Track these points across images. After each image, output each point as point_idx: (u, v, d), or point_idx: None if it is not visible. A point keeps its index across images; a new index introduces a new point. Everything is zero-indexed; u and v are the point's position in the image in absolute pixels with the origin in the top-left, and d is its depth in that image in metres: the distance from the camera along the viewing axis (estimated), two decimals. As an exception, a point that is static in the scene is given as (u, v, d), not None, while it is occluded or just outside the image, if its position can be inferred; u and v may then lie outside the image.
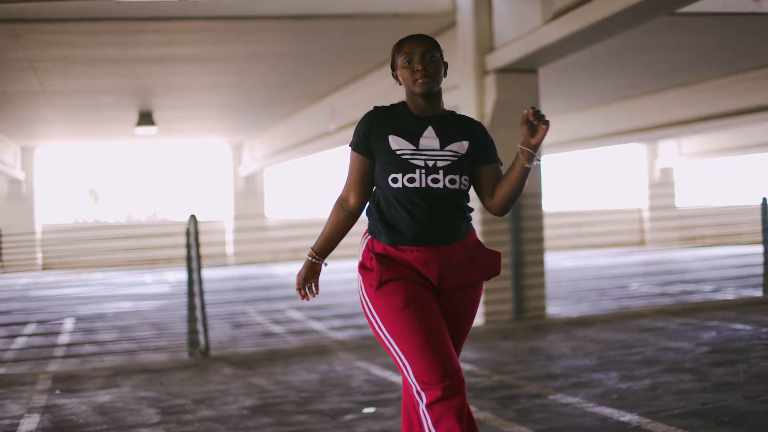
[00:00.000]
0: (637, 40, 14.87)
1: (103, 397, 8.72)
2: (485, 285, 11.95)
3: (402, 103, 4.06)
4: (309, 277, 4.22)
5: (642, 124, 24.62)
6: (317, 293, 4.26)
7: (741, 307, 12.37)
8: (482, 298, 11.63)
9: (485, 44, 12.21)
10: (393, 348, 3.84)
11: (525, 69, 11.99)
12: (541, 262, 12.30)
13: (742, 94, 20.81)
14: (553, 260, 24.94)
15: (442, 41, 13.84)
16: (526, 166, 3.88)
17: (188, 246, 11.20)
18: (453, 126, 4.02)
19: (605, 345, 9.67)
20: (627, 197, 36.68)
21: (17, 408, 8.35)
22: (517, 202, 12.12)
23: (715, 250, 26.17)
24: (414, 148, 3.93)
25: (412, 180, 3.92)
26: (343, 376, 9.06)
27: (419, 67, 3.93)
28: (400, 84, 4.03)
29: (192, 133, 29.10)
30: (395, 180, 3.93)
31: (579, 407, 6.79)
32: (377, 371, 9.10)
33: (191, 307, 11.21)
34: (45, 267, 32.53)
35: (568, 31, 10.14)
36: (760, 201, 14.05)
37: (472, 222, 4.21)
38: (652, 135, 25.24)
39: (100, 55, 14.66)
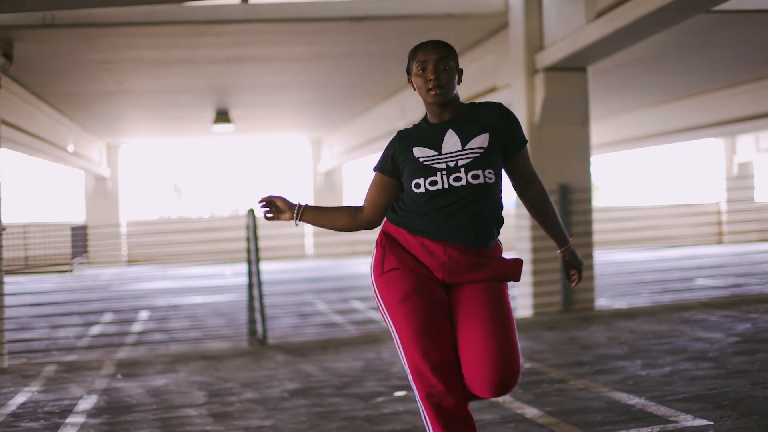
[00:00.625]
0: (702, 36, 15.03)
1: (159, 381, 9.28)
2: (534, 278, 12.31)
3: (422, 119, 4.17)
4: (281, 206, 4.29)
5: (716, 118, 24.60)
6: (267, 218, 4.32)
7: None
8: (531, 291, 12.05)
9: (535, 43, 12.55)
10: (393, 332, 4.03)
11: (573, 67, 12.30)
12: (590, 256, 12.59)
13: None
14: (626, 256, 25.09)
15: (495, 41, 14.23)
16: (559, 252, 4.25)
17: (247, 239, 11.74)
18: (472, 121, 4.06)
19: (641, 335, 9.96)
20: (704, 193, 36.50)
21: (78, 390, 8.94)
22: (566, 197, 12.44)
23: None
24: (437, 153, 4.00)
25: (434, 183, 3.99)
26: (386, 363, 9.49)
27: (432, 77, 4.00)
28: (415, 89, 4.11)
29: (270, 130, 29.72)
30: (418, 185, 4.02)
31: (594, 392, 7.15)
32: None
33: (251, 297, 11.75)
34: (130, 260, 33.48)
35: (609, 30, 10.44)
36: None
37: (498, 238, 4.17)
38: (727, 129, 25.19)
39: (169, 57, 15.29)
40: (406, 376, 8.53)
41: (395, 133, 4.20)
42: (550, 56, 12.13)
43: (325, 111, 25.01)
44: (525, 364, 8.69)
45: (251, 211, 11.63)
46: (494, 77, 14.87)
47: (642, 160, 37.65)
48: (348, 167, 35.41)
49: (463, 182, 3.95)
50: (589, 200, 12.61)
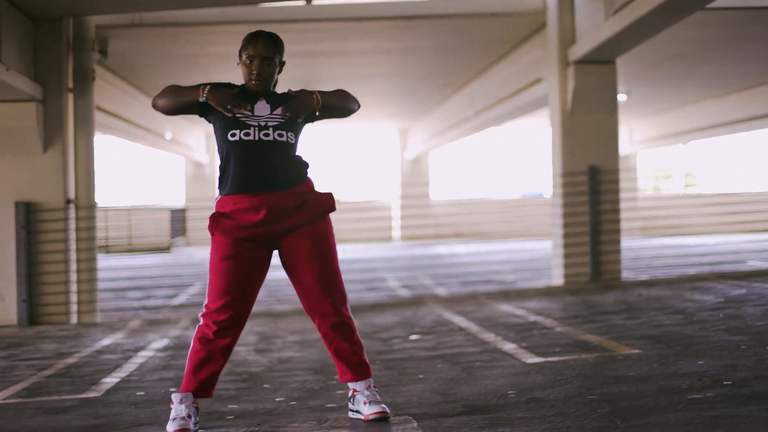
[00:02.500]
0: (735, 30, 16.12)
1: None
2: (565, 250, 13.61)
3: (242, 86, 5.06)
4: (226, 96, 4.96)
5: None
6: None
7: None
8: (562, 262, 13.34)
9: (567, 39, 13.82)
10: (208, 277, 5.10)
11: (601, 60, 13.55)
12: (617, 231, 13.84)
13: None
14: (687, 241, 26.03)
15: (541, 38, 15.51)
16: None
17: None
18: (280, 97, 5.00)
19: (644, 299, 11.21)
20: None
21: (154, 337, 10.55)
22: (594, 177, 13.70)
23: None
24: (250, 113, 4.93)
25: (247, 134, 4.94)
26: (419, 318, 10.91)
27: (255, 72, 4.97)
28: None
29: (362, 119, 31.20)
30: (233, 134, 4.94)
31: (569, 335, 8.49)
32: (449, 315, 10.88)
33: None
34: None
35: (623, 25, 11.70)
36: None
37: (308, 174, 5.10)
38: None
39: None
40: (428, 327, 9.94)
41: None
42: (578, 50, 13.40)
43: (406, 101, 26.44)
44: (530, 317, 10.04)
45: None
46: (538, 71, 16.20)
47: (716, 149, 38.23)
48: (433, 154, 36.81)
49: (270, 138, 4.92)
50: (616, 181, 13.84)
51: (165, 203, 35.94)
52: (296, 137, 5.07)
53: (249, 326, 11.09)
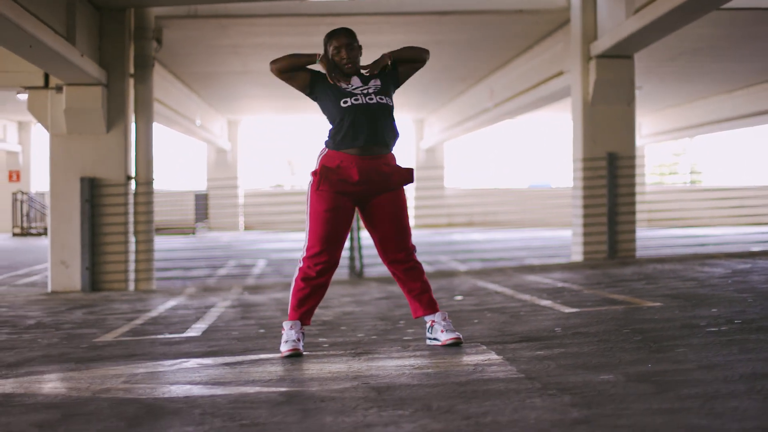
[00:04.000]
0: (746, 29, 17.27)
1: (278, 294, 11.97)
2: (584, 229, 14.75)
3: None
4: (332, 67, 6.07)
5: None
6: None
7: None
8: (581, 240, 14.47)
9: (590, 34, 14.93)
10: (306, 228, 6.14)
11: (621, 55, 14.67)
12: (632, 212, 14.98)
13: None
14: (701, 233, 27.13)
15: (563, 33, 16.66)
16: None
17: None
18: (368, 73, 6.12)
19: (659, 271, 12.34)
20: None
21: (215, 299, 11.68)
22: (613, 163, 14.82)
23: None
24: (353, 86, 6.03)
25: (357, 99, 6.00)
26: (455, 285, 12.04)
27: (346, 57, 6.04)
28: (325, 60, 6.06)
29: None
30: (345, 101, 5.98)
31: (596, 294, 9.63)
32: (483, 284, 12.01)
33: (351, 238, 14.39)
34: (247, 227, 36.48)
35: (643, 23, 12.82)
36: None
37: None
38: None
39: (286, 42, 18.06)
40: (467, 291, 11.07)
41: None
42: (600, 46, 14.53)
43: (425, 93, 27.58)
44: (558, 284, 11.17)
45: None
46: (560, 64, 17.35)
47: (724, 143, 39.32)
48: (448, 145, 37.94)
49: (374, 101, 6.00)
50: (633, 166, 14.98)
51: (190, 187, 37.03)
52: (392, 101, 6.18)
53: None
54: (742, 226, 28.45)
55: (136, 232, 14.33)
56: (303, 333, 6.17)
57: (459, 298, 10.30)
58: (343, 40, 6.07)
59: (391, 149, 6.18)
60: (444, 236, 29.13)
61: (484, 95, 24.45)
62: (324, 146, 6.14)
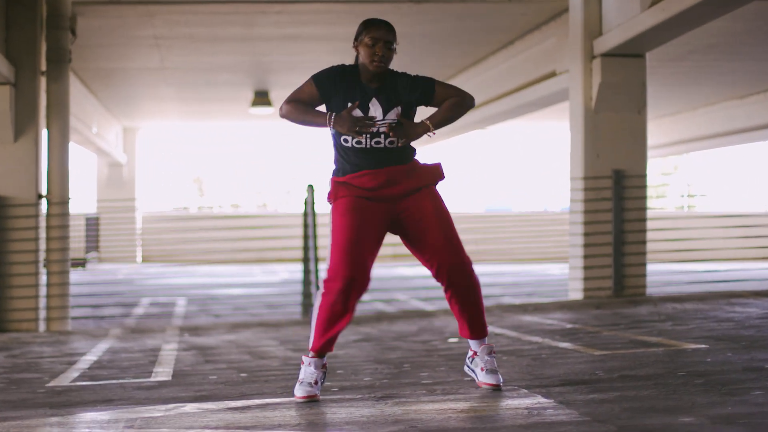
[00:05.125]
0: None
1: (229, 336, 12.43)
2: (585, 261, 15.40)
3: (355, 69, 6.52)
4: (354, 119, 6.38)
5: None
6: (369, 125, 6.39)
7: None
8: (581, 275, 15.11)
9: (594, 29, 15.61)
10: (329, 247, 6.64)
11: (630, 53, 15.37)
12: (642, 242, 15.66)
13: None
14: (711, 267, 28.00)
15: (556, 25, 17.39)
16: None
17: (305, 214, 14.87)
18: (391, 87, 6.44)
19: (681, 311, 13.01)
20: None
21: (155, 342, 12.08)
22: (620, 182, 15.50)
23: None
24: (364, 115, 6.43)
25: (359, 142, 6.42)
26: (438, 327, 12.60)
27: (379, 53, 6.37)
28: (357, 53, 6.44)
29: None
30: (346, 141, 6.44)
31: (621, 336, 10.24)
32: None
33: (306, 271, 14.88)
34: (146, 259, 36.59)
35: (663, 17, 13.51)
36: None
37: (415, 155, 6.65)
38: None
39: (224, 34, 18.57)
40: (457, 332, 11.62)
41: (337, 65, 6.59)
42: (607, 42, 15.22)
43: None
44: (566, 325, 11.77)
45: (311, 187, 14.76)
46: (554, 62, 18.04)
47: (731, 160, 40.47)
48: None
49: (381, 146, 6.44)
50: (644, 186, 15.67)
51: (78, 209, 37.00)
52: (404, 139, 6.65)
53: (251, 334, 12.68)
54: (750, 260, 29.30)
55: (47, 263, 14.67)
56: (324, 372, 6.64)
57: (453, 340, 10.84)
58: (383, 34, 6.42)
59: (411, 159, 6.65)
60: (390, 269, 29.62)
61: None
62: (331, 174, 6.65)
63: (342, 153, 6.54)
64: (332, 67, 6.63)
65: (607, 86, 15.45)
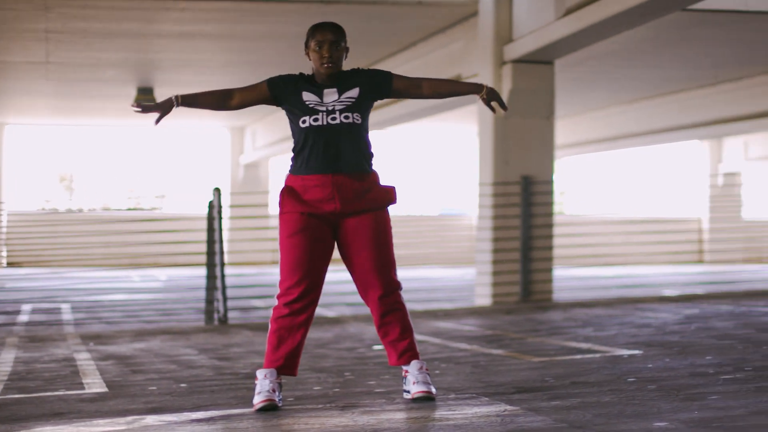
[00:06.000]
0: (679, 33, 18.77)
1: (140, 344, 12.54)
2: (494, 267, 15.84)
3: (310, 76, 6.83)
4: (161, 109, 6.78)
5: (696, 119, 28.21)
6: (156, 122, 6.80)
7: (740, 297, 16.15)
8: (490, 281, 15.55)
9: (504, 35, 16.08)
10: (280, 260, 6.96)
11: (541, 60, 15.86)
12: (549, 248, 16.16)
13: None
14: (593, 273, 28.71)
15: (463, 29, 17.82)
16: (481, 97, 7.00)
17: (210, 218, 15.04)
18: (347, 80, 6.74)
19: (595, 316, 13.51)
20: (685, 205, 40.27)
21: (63, 351, 12.08)
22: (528, 189, 15.96)
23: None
24: (319, 100, 6.70)
25: (316, 120, 6.67)
26: (353, 333, 12.90)
27: (327, 55, 6.67)
28: (310, 60, 6.72)
29: (191, 114, 32.87)
30: (304, 121, 6.67)
31: (549, 343, 10.66)
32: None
33: (211, 276, 15.03)
34: (12, 263, 36.05)
35: (578, 27, 14.01)
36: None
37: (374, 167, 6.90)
38: (708, 131, 28.81)
39: (119, 30, 18.68)
40: (377, 339, 11.93)
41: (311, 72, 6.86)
42: (518, 48, 15.69)
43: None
44: (486, 331, 12.16)
45: (217, 190, 14.93)
46: (460, 66, 18.47)
47: (615, 165, 41.25)
48: (276, 161, 38.59)
49: (337, 121, 6.67)
50: (551, 192, 16.16)
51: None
52: (363, 118, 6.89)
53: (160, 342, 12.81)
54: (648, 265, 30.08)
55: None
56: (280, 384, 6.86)
57: (378, 347, 11.14)
58: (328, 35, 6.74)
59: (367, 170, 6.91)
60: (276, 276, 29.72)
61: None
62: (287, 172, 6.91)
63: (300, 144, 6.78)
64: (289, 74, 6.92)
65: (517, 92, 15.92)
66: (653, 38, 19.15)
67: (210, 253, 15.12)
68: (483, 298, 16.39)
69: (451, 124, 33.56)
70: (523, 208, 16.01)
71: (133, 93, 26.97)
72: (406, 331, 6.96)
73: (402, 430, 5.91)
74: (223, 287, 14.99)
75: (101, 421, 6.69)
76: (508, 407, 6.49)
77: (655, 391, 6.88)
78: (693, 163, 39.05)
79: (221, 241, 14.95)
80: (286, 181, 6.89)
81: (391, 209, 7.04)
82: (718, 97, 26.93)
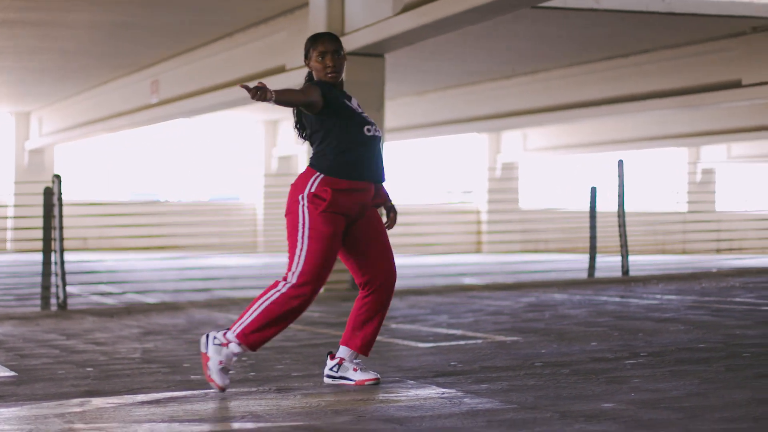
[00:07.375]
0: (483, 27, 19.30)
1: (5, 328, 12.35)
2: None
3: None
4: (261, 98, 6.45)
5: (482, 112, 29.00)
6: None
7: (564, 285, 16.80)
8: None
9: (336, 28, 16.31)
10: (301, 251, 6.86)
11: (373, 54, 16.18)
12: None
13: (591, 85, 25.38)
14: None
15: (287, 20, 18.05)
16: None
17: (50, 205, 14.86)
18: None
19: (438, 303, 13.91)
20: (465, 196, 41.14)
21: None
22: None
23: (559, 256, 30.89)
24: (360, 110, 7.11)
25: (369, 130, 6.97)
26: (201, 319, 13.01)
27: (330, 64, 7.01)
28: (310, 69, 7.05)
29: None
30: (360, 130, 6.92)
31: (418, 330, 10.97)
32: (232, 316, 13.02)
33: (47, 262, 14.84)
34: None
35: (416, 24, 14.37)
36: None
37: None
38: (492, 125, 29.69)
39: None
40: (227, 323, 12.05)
41: (316, 80, 7.05)
42: (352, 42, 15.94)
43: (44, 82, 27.91)
44: (343, 318, 12.40)
45: (57, 177, 14.81)
46: (285, 57, 18.65)
47: (403, 154, 41.74)
48: (66, 148, 37.98)
49: (371, 134, 7.02)
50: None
51: None
52: None
53: (11, 328, 12.62)
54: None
55: None
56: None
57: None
58: (329, 45, 7.02)
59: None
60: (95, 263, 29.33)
61: (143, 88, 25.24)
62: (317, 171, 6.90)
63: (353, 148, 6.92)
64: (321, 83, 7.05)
65: (350, 85, 16.11)
66: (461, 31, 19.66)
67: (46, 240, 14.97)
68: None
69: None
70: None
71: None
72: (380, 327, 7.22)
73: (362, 410, 6.09)
74: (63, 273, 14.86)
75: (50, 404, 6.67)
76: (446, 390, 6.69)
77: (572, 375, 7.18)
78: (473, 153, 39.88)
79: (61, 228, 14.82)
80: (329, 183, 6.86)
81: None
82: (504, 92, 27.71)
